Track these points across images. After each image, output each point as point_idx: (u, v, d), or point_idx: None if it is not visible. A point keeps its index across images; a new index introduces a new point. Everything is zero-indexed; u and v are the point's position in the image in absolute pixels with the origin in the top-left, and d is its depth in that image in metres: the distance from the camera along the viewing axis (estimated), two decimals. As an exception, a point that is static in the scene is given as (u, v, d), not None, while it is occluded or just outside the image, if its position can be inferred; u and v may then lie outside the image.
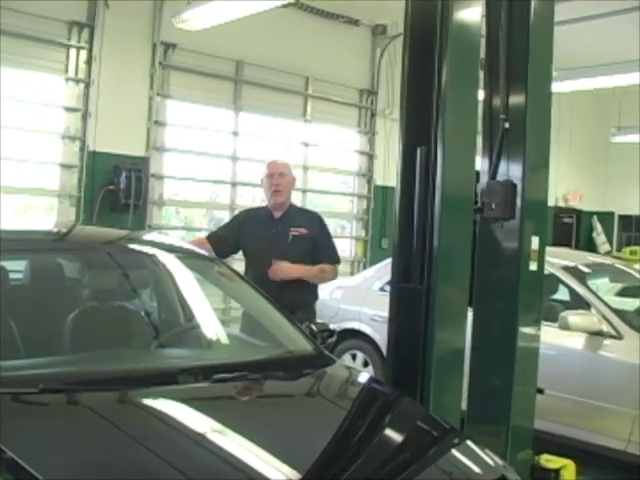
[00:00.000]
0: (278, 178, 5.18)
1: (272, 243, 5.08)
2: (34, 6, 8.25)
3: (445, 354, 4.07)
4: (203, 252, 4.37)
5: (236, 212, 7.43)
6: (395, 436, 3.12)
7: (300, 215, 5.34)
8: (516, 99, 4.30)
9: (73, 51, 8.94)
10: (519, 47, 4.29)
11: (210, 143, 10.34)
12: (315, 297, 5.24)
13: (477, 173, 4.38)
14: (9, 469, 2.23)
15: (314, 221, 5.29)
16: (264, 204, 5.42)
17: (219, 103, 10.32)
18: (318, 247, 5.17)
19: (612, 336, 5.57)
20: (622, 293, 6.79)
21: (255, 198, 10.42)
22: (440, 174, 4.01)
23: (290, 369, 3.41)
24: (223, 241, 5.20)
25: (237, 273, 4.06)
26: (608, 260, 8.33)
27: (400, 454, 2.91)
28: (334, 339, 3.93)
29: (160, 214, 9.91)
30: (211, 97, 10.13)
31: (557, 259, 6.15)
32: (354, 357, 7.06)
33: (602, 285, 6.67)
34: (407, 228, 4.13)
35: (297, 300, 4.88)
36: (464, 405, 4.32)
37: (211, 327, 3.72)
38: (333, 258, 5.27)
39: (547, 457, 4.37)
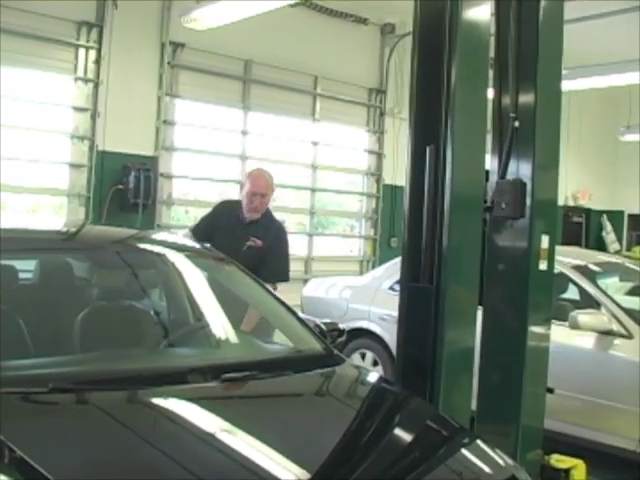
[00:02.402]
0: (259, 198, 5.30)
1: (232, 245, 5.02)
2: (43, 6, 8.27)
3: (455, 353, 4.07)
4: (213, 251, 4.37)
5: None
6: (405, 435, 3.11)
7: (265, 225, 5.38)
8: (526, 98, 4.29)
9: (82, 51, 8.96)
10: (528, 45, 4.27)
11: (219, 142, 10.34)
12: None
13: (487, 172, 4.37)
14: (19, 468, 2.23)
15: (273, 233, 5.37)
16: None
17: (228, 102, 10.33)
18: (264, 261, 5.14)
19: (622, 335, 5.54)
20: (632, 292, 6.75)
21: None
22: (450, 173, 4.00)
23: (299, 368, 3.40)
24: (202, 232, 5.31)
25: (246, 272, 4.05)
26: (618, 259, 8.29)
27: (410, 453, 2.90)
28: (343, 338, 3.92)
29: (169, 213, 9.92)
30: (220, 96, 10.14)
31: (567, 258, 6.12)
32: (363, 356, 7.05)
33: (612, 284, 6.64)
34: (417, 227, 4.12)
35: None
36: (474, 405, 4.31)
37: (220, 326, 3.72)
38: (275, 278, 5.15)
39: (557, 457, 4.37)
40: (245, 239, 5.21)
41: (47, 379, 2.74)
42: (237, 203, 5.52)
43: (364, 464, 2.67)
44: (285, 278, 5.31)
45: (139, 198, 8.94)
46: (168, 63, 9.54)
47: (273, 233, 5.38)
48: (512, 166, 4.32)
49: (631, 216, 16.07)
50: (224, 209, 5.59)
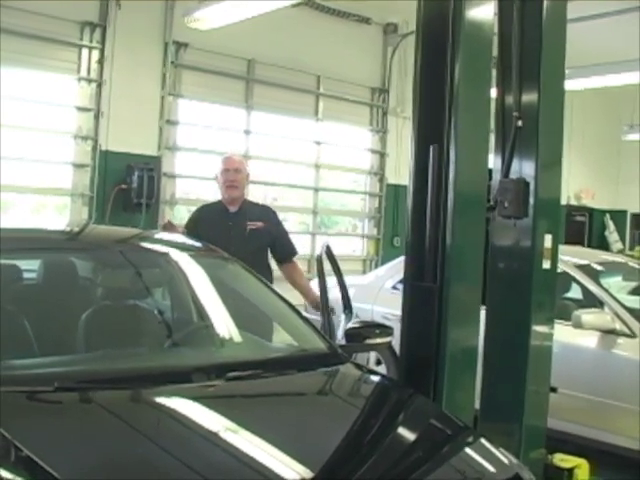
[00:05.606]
0: (234, 174, 5.44)
1: (229, 236, 5.14)
2: (46, 6, 8.27)
3: (458, 352, 4.07)
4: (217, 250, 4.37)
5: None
6: (408, 434, 3.12)
7: (255, 209, 5.53)
8: (529, 97, 4.29)
9: (85, 51, 8.97)
10: (531, 44, 4.27)
11: (222, 142, 10.33)
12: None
13: (490, 171, 4.37)
14: (26, 467, 2.24)
15: (269, 215, 5.50)
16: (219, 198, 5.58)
17: (231, 102, 10.33)
18: (278, 241, 5.38)
19: (625, 334, 5.54)
20: (635, 291, 6.75)
21: (267, 196, 10.44)
22: (453, 172, 4.01)
23: (303, 367, 3.41)
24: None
25: (250, 271, 4.06)
26: (621, 258, 8.29)
27: (414, 452, 2.91)
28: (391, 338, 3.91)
29: (172, 213, 9.92)
30: (223, 96, 10.15)
31: (570, 257, 6.12)
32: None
33: (615, 283, 6.63)
34: (420, 226, 4.13)
35: None
36: (477, 403, 4.31)
37: (224, 325, 3.72)
38: (293, 251, 5.54)
39: (560, 456, 4.36)
40: (243, 224, 5.25)
41: (52, 378, 2.75)
42: (216, 203, 5.61)
43: (368, 462, 2.68)
44: (296, 251, 5.60)
45: (142, 198, 8.95)
46: (171, 63, 9.54)
47: (268, 214, 5.51)
48: (515, 165, 4.32)
49: (634, 215, 16.05)
50: (202, 212, 5.64)
